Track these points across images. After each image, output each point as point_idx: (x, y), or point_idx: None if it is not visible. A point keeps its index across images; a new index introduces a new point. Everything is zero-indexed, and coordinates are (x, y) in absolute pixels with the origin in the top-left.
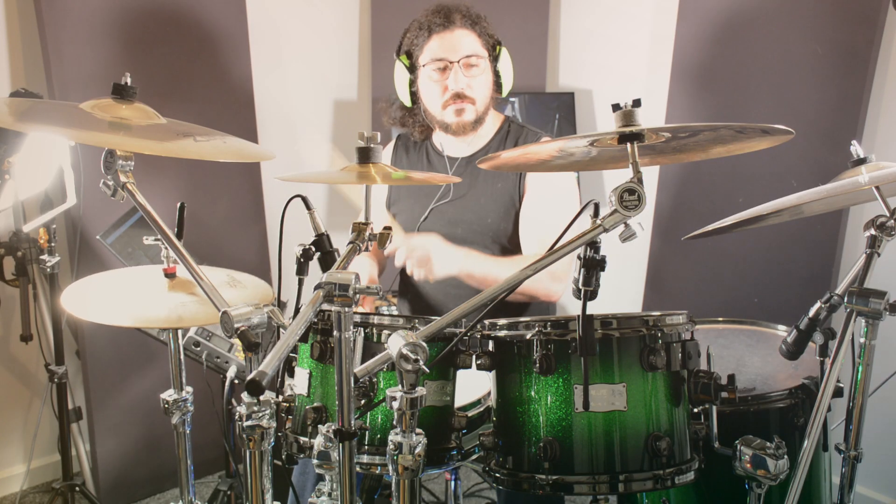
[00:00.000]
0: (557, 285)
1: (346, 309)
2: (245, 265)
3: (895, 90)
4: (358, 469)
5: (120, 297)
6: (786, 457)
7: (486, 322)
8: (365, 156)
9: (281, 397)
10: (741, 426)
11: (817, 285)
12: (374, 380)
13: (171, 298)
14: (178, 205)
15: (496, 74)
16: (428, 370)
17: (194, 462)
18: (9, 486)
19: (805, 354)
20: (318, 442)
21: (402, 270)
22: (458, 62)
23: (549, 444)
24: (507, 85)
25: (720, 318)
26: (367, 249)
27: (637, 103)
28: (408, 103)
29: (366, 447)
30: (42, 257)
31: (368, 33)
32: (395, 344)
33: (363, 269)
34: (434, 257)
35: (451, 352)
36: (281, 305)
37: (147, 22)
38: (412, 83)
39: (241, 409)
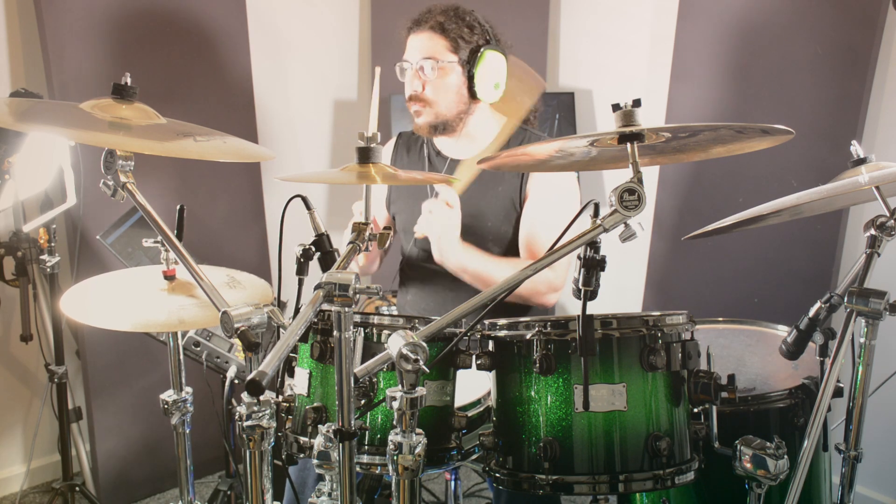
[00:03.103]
0: (552, 295)
1: (346, 309)
2: (245, 265)
3: (895, 90)
4: (358, 469)
5: (119, 300)
6: (786, 457)
7: (486, 322)
8: (365, 156)
9: (281, 397)
10: (741, 426)
11: (817, 285)
12: (374, 380)
13: (171, 301)
14: (178, 207)
15: (470, 79)
16: (428, 370)
17: (194, 462)
18: (9, 486)
19: (805, 354)
20: (318, 442)
21: (402, 271)
22: (415, 64)
23: (549, 444)
24: (486, 91)
25: (720, 318)
26: (366, 249)
27: (637, 103)
28: None
29: (366, 447)
30: (42, 257)
31: (368, 33)
32: (395, 344)
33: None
34: (444, 236)
35: (451, 352)
36: (281, 305)
37: (147, 22)
38: None
39: (241, 409)
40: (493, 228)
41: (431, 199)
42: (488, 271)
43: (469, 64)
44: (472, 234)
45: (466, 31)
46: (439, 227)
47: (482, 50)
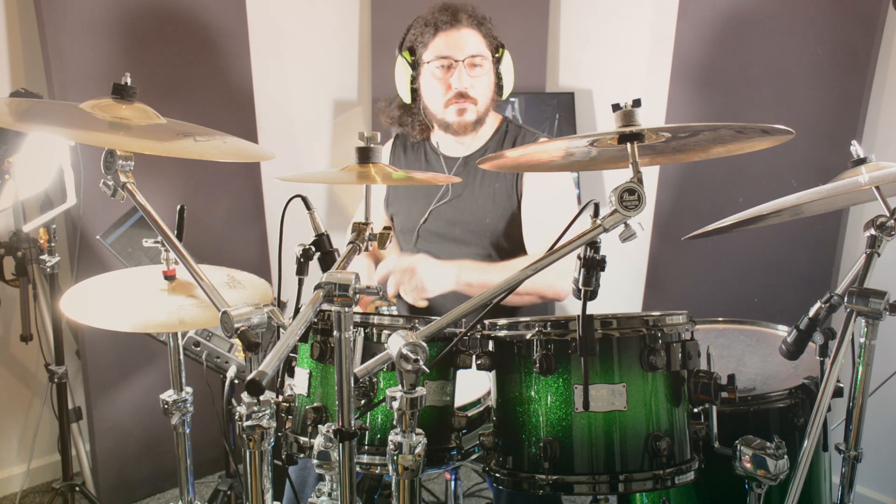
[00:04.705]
0: (564, 282)
1: (346, 309)
2: (245, 265)
3: (895, 90)
4: (358, 469)
5: (119, 300)
6: (786, 457)
7: (486, 322)
8: (365, 156)
9: (281, 397)
10: (741, 426)
11: (817, 285)
12: (374, 380)
13: (171, 301)
14: (178, 207)
15: (498, 76)
16: (428, 370)
17: (194, 462)
18: (9, 486)
19: (805, 354)
20: (318, 442)
21: None
22: (463, 61)
23: (549, 444)
24: (508, 88)
25: (720, 318)
26: (366, 249)
27: (637, 103)
28: (407, 100)
29: (366, 447)
30: (42, 257)
31: (368, 33)
32: (395, 344)
33: (362, 269)
34: (424, 279)
35: (451, 352)
36: (281, 305)
37: (147, 22)
38: (413, 80)
39: (241, 409)
40: (490, 225)
41: (392, 275)
42: (490, 279)
43: (498, 62)
44: (471, 231)
45: (492, 29)
46: (419, 290)
47: (501, 50)
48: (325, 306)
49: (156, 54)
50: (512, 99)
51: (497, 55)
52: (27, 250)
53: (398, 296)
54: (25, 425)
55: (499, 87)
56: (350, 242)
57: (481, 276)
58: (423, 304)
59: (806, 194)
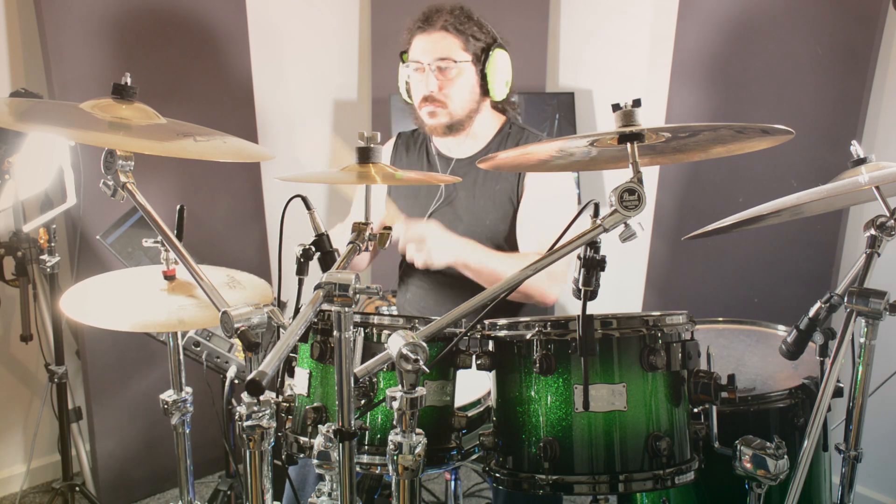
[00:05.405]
0: (555, 287)
1: (346, 309)
2: (245, 265)
3: (895, 90)
4: (358, 469)
5: (119, 300)
6: (786, 457)
7: (486, 322)
8: (365, 156)
9: (281, 397)
10: (741, 426)
11: (817, 285)
12: (374, 380)
13: (171, 301)
14: (178, 207)
15: (483, 78)
16: (428, 370)
17: (194, 462)
18: (9, 486)
19: (805, 354)
20: (318, 442)
21: (402, 270)
22: (430, 65)
23: (549, 444)
24: (499, 89)
25: (720, 318)
26: (367, 249)
27: (637, 103)
28: (407, 100)
29: (366, 447)
30: (42, 257)
31: (368, 33)
32: (395, 344)
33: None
34: (431, 244)
35: (451, 352)
36: (281, 305)
37: (147, 22)
38: (407, 81)
39: (241, 409)
40: (490, 226)
41: (410, 245)
42: (489, 265)
43: (482, 63)
44: (471, 232)
45: (476, 30)
46: (426, 257)
47: (493, 48)
48: (325, 306)
49: (156, 54)
50: (512, 99)
51: (483, 57)
52: (27, 250)
53: (398, 294)
54: (25, 425)
55: (484, 88)
56: (350, 242)
57: (479, 260)
58: (431, 266)
59: (806, 194)
